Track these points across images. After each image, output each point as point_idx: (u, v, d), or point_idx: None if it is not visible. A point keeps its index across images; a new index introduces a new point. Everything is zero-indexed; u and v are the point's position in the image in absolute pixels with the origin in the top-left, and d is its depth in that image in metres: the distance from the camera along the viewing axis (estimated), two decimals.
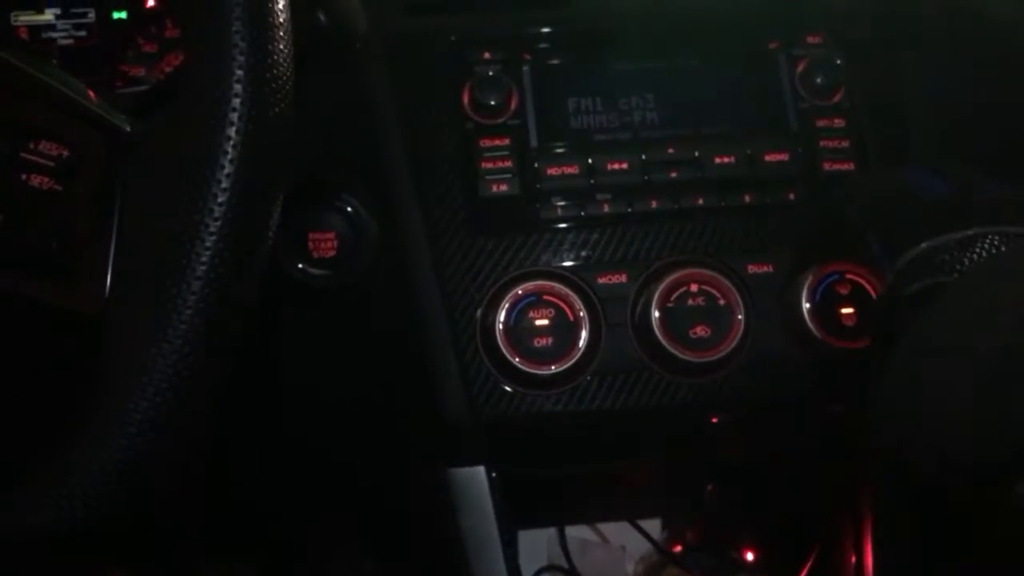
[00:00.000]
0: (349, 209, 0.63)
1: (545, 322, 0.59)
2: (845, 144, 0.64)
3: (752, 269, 0.61)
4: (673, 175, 0.62)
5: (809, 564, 0.74)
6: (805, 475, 0.74)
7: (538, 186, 0.62)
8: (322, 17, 0.50)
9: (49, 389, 0.38)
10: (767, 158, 0.63)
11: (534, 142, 0.63)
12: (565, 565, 0.81)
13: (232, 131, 0.36)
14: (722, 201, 0.62)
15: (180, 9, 0.39)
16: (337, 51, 0.54)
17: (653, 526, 0.86)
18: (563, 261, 0.61)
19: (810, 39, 0.66)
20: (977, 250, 0.47)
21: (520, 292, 0.59)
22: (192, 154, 0.36)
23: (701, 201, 0.62)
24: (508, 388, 0.60)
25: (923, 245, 0.50)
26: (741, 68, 0.65)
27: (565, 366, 0.58)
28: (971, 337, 0.40)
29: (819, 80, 0.64)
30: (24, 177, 0.37)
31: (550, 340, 0.59)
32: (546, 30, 0.65)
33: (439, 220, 0.62)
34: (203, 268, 0.35)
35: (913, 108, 0.67)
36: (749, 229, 0.62)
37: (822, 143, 0.64)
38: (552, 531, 0.84)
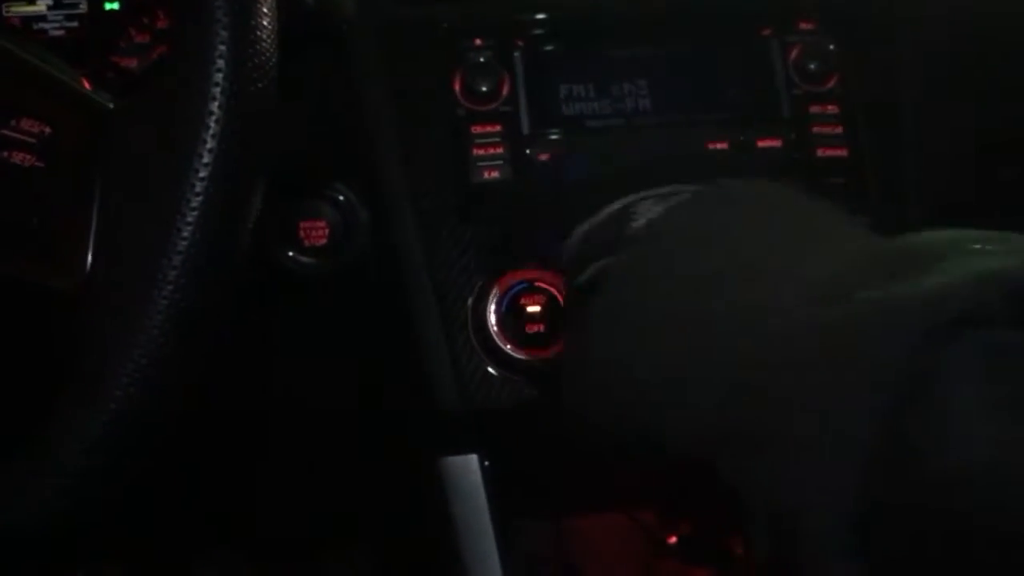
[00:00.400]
0: (340, 197, 0.63)
1: (537, 308, 0.59)
2: (838, 130, 0.64)
3: None
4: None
5: None
6: None
7: (530, 172, 0.61)
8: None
9: (27, 366, 0.38)
10: (760, 144, 0.63)
11: (526, 129, 0.62)
12: (559, 555, 0.81)
13: (215, 106, 0.35)
14: None
15: None
16: (324, 34, 0.53)
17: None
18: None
19: (803, 25, 0.65)
20: (632, 222, 0.45)
21: (512, 279, 0.59)
22: (174, 130, 0.36)
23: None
24: (500, 375, 0.60)
25: (577, 230, 0.49)
26: (734, 55, 0.65)
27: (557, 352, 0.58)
28: (647, 315, 0.39)
29: (812, 66, 0.64)
30: (5, 154, 0.37)
31: (543, 327, 0.59)
32: (538, 16, 0.64)
33: (430, 207, 0.62)
34: (184, 243, 0.35)
35: (906, 94, 0.66)
36: None
37: (815, 129, 0.64)
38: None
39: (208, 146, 0.35)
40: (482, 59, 0.63)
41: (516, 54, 0.63)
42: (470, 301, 0.60)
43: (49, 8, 0.73)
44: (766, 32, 0.65)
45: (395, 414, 0.69)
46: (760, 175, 0.61)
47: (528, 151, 0.62)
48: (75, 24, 0.73)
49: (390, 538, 0.85)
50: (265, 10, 0.38)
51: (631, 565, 0.81)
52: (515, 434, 0.66)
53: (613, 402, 0.41)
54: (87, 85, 0.41)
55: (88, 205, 0.37)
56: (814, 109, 0.64)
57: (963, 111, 0.67)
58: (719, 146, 0.63)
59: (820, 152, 0.64)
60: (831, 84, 0.65)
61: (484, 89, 0.62)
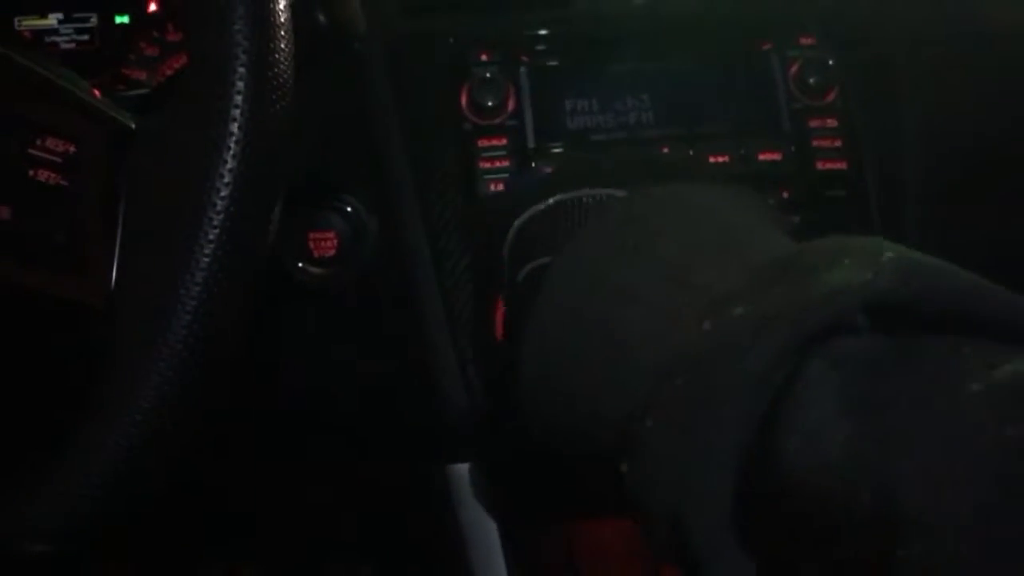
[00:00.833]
0: (349, 209, 0.64)
1: None
2: (838, 143, 0.65)
3: None
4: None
5: None
6: None
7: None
8: (322, 18, 0.51)
9: (53, 380, 0.39)
10: (761, 157, 0.64)
11: (531, 142, 0.64)
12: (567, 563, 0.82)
13: (235, 127, 0.37)
14: None
15: (182, 6, 0.40)
16: (337, 52, 0.55)
17: None
18: None
19: (803, 40, 0.67)
20: (559, 219, 0.49)
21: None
22: (195, 149, 0.37)
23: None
24: (509, 384, 0.61)
25: (515, 224, 0.52)
26: (735, 69, 0.66)
27: None
28: (571, 317, 0.41)
29: (812, 80, 0.65)
30: (31, 172, 0.38)
31: None
32: (543, 32, 0.66)
33: (438, 219, 0.63)
34: (206, 261, 0.36)
35: (905, 107, 0.68)
36: None
37: (815, 142, 0.65)
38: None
39: (228, 166, 0.36)
40: (488, 74, 0.64)
41: (522, 69, 0.64)
42: (478, 310, 0.62)
43: (60, 22, 0.74)
44: (766, 47, 0.66)
45: (402, 423, 0.70)
46: (760, 187, 0.63)
47: (533, 164, 0.63)
48: (86, 37, 0.75)
49: (394, 546, 0.86)
50: (283, 32, 0.39)
51: (639, 571, 0.82)
52: (522, 443, 0.67)
53: (545, 404, 0.43)
54: (99, 97, 0.42)
55: (112, 222, 0.38)
56: (814, 123, 0.65)
57: (962, 124, 0.69)
58: (720, 159, 0.64)
59: (820, 165, 0.65)
60: (831, 98, 0.66)
61: (490, 103, 0.63)
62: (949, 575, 0.25)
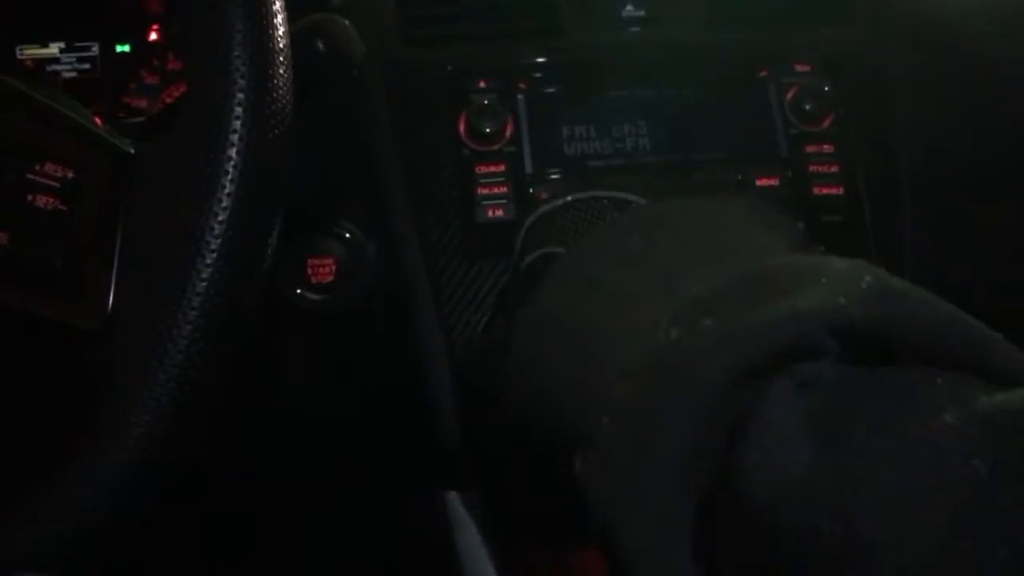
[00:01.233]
0: (347, 235, 0.64)
1: None
2: (834, 169, 0.65)
3: None
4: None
5: None
6: None
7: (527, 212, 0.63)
8: (320, 45, 0.52)
9: (49, 404, 0.39)
10: (758, 183, 0.64)
11: (529, 168, 0.64)
12: None
13: (233, 152, 0.37)
14: None
15: (182, 35, 0.40)
16: (335, 78, 0.55)
17: None
18: None
19: (798, 67, 0.67)
20: (578, 215, 0.51)
21: None
22: (193, 175, 0.37)
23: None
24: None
25: (530, 217, 0.54)
26: (731, 95, 0.67)
27: None
28: (561, 313, 0.41)
29: (808, 106, 0.66)
30: (30, 197, 0.38)
31: None
32: (540, 60, 0.66)
33: (436, 245, 0.63)
34: (203, 285, 0.36)
35: (901, 132, 0.68)
36: None
37: (811, 168, 0.65)
38: None
39: (227, 191, 0.37)
40: (486, 101, 0.64)
41: (519, 96, 0.65)
42: (477, 339, 0.61)
43: (62, 51, 0.75)
44: (763, 73, 0.67)
45: (399, 449, 0.70)
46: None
47: (531, 190, 0.63)
48: (87, 66, 0.75)
49: (392, 573, 0.85)
50: (282, 58, 0.39)
51: None
52: (519, 470, 0.66)
53: (522, 391, 0.43)
54: (101, 124, 0.42)
55: (110, 247, 0.38)
56: (810, 148, 0.66)
57: (957, 149, 0.69)
58: None
59: (817, 190, 0.65)
60: (827, 124, 0.66)
61: (488, 130, 0.63)
62: None
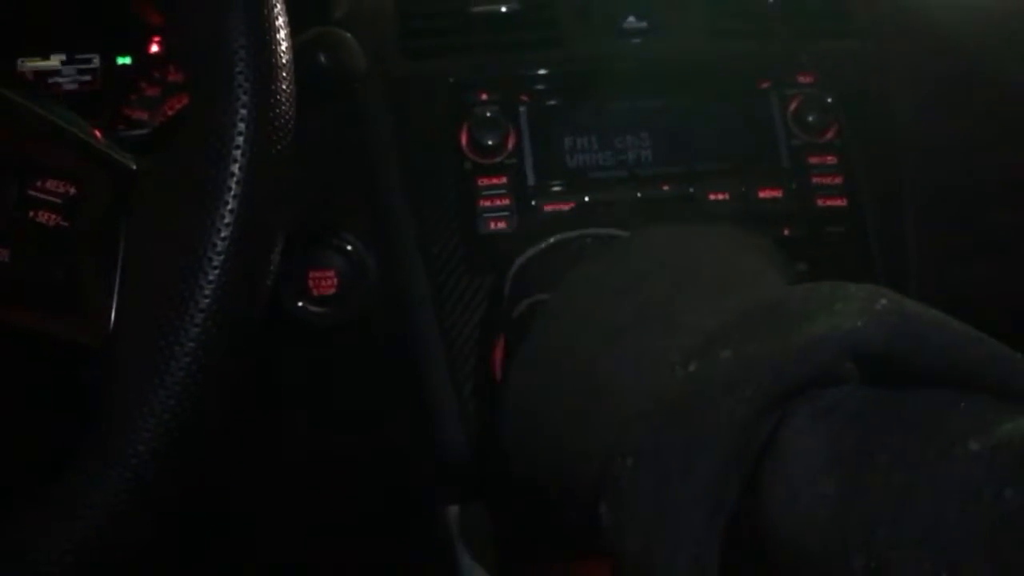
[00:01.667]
0: (349, 247, 0.64)
1: None
2: (837, 180, 0.65)
3: None
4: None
5: None
6: None
7: (534, 226, 0.63)
8: (323, 58, 0.51)
9: (50, 421, 0.39)
10: (761, 195, 0.64)
11: (531, 180, 0.64)
12: None
13: (236, 168, 0.37)
14: None
15: (184, 50, 0.40)
16: (338, 92, 0.55)
17: None
18: None
19: (801, 78, 0.67)
20: (560, 257, 0.49)
21: None
22: (196, 191, 0.37)
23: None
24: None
25: (517, 262, 0.53)
26: (734, 107, 0.67)
27: None
28: (561, 355, 0.41)
29: (811, 118, 0.66)
30: (31, 214, 0.38)
31: None
32: (542, 72, 0.66)
33: (438, 257, 0.63)
34: (206, 302, 0.36)
35: (904, 143, 0.68)
36: None
37: (815, 180, 0.65)
38: None
39: (229, 207, 0.36)
40: (488, 113, 0.64)
41: (521, 108, 0.65)
42: (478, 349, 0.61)
43: (63, 63, 0.75)
44: (765, 85, 0.67)
45: (402, 462, 0.70)
46: (761, 224, 0.63)
47: (533, 202, 0.63)
48: (88, 78, 0.75)
49: None
50: (284, 73, 0.39)
51: None
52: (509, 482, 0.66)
53: (530, 441, 0.43)
54: (102, 137, 0.42)
55: (112, 263, 0.38)
56: (813, 160, 0.66)
57: (961, 159, 0.69)
58: (720, 197, 0.64)
59: (820, 202, 0.65)
60: (830, 135, 0.66)
61: (490, 142, 0.63)
62: None
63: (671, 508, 0.30)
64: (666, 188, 0.64)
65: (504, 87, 0.65)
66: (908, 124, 0.68)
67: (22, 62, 0.74)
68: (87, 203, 0.39)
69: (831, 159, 0.66)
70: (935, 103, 0.69)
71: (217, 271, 0.36)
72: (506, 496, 0.66)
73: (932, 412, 0.28)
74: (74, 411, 0.37)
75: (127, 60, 0.75)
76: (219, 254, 0.36)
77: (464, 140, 0.64)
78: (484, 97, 0.65)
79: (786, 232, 0.64)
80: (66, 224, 0.38)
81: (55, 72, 0.74)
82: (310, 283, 0.64)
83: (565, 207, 0.62)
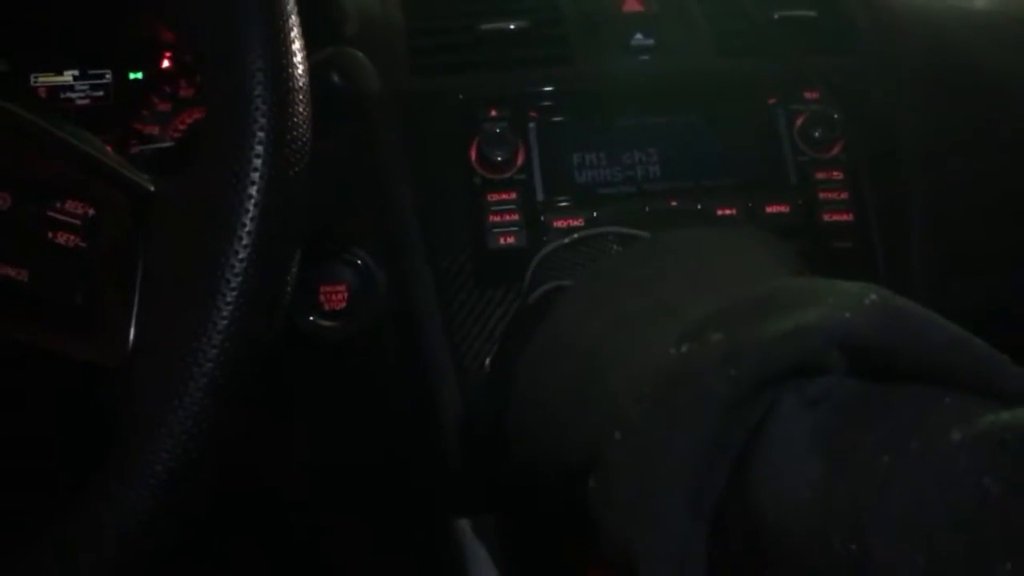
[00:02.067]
0: (359, 262, 0.64)
1: None
2: (844, 196, 0.66)
3: None
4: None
5: None
6: None
7: (544, 238, 0.63)
8: (336, 78, 0.52)
9: (70, 441, 0.39)
10: (768, 210, 0.65)
11: (540, 196, 0.64)
12: None
13: (253, 190, 0.37)
14: None
15: (201, 73, 0.41)
16: (350, 110, 0.55)
17: None
18: None
19: (807, 94, 0.68)
20: (584, 251, 0.52)
21: None
22: (214, 213, 0.38)
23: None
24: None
25: (542, 251, 0.55)
26: (740, 123, 0.67)
27: None
28: (570, 341, 0.42)
29: (817, 134, 0.66)
30: (50, 235, 0.38)
31: None
32: (550, 88, 0.67)
33: (447, 272, 0.63)
34: (224, 323, 0.36)
35: (910, 159, 0.68)
36: None
37: (821, 195, 0.66)
38: None
39: (247, 229, 0.37)
40: (497, 129, 0.65)
41: (530, 124, 0.65)
42: (487, 363, 0.62)
43: (75, 78, 0.75)
44: (772, 101, 0.67)
45: (411, 476, 0.70)
46: None
47: (542, 218, 0.64)
48: (100, 93, 0.76)
49: None
50: (301, 96, 0.40)
51: None
52: (530, 493, 0.67)
53: (532, 419, 0.44)
54: (113, 152, 0.43)
55: (130, 284, 0.38)
56: (820, 175, 0.66)
57: (967, 174, 0.69)
58: (728, 212, 0.64)
59: (827, 217, 0.65)
60: (836, 151, 0.67)
61: (499, 158, 0.64)
62: None
63: (654, 482, 0.31)
64: (674, 203, 0.64)
65: (513, 103, 0.66)
66: (914, 140, 0.69)
67: (35, 78, 0.75)
68: (105, 224, 0.39)
69: (837, 175, 0.66)
70: (941, 118, 0.70)
71: (235, 292, 0.37)
72: (513, 503, 0.67)
73: (917, 404, 0.28)
74: (92, 431, 0.37)
75: (139, 75, 0.76)
76: (236, 276, 0.37)
77: (473, 156, 0.64)
78: (493, 113, 0.65)
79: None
80: (84, 245, 0.39)
81: (68, 87, 0.75)
82: (321, 297, 0.64)
83: (574, 223, 0.63)
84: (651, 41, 0.68)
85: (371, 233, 0.65)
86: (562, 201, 0.64)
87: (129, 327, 0.38)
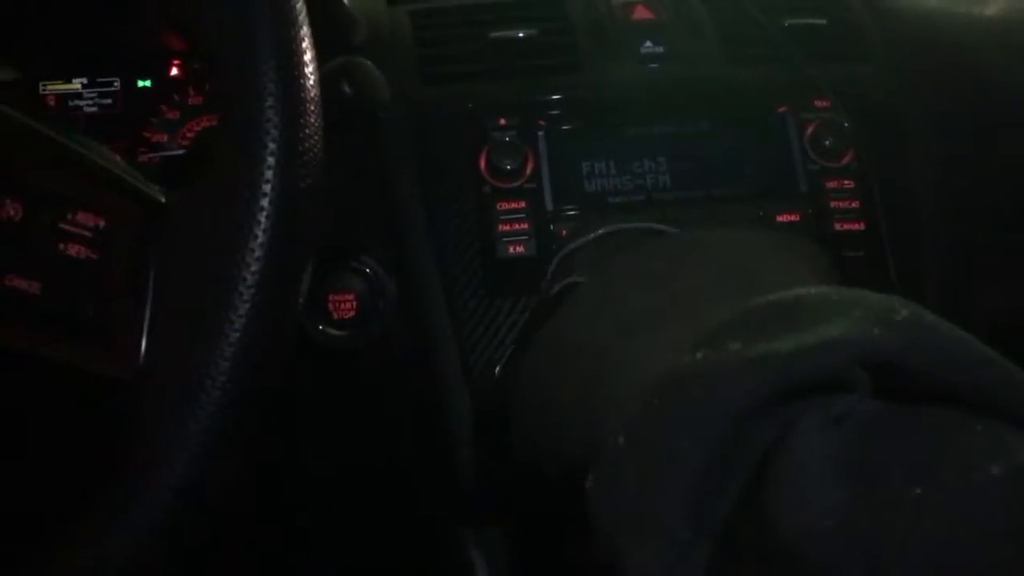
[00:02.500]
0: (368, 271, 0.64)
1: None
2: (855, 204, 0.65)
3: None
4: None
5: None
6: None
7: (554, 248, 0.63)
8: (347, 88, 0.52)
9: (81, 454, 0.39)
10: (779, 219, 0.64)
11: (549, 205, 0.64)
12: None
13: (265, 202, 0.37)
14: None
15: (213, 82, 0.41)
16: (361, 120, 0.55)
17: None
18: None
19: (818, 103, 0.67)
20: (607, 246, 0.53)
21: None
22: (226, 225, 0.37)
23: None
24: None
25: (567, 248, 0.56)
26: (751, 131, 0.67)
27: None
28: (580, 337, 0.41)
29: (828, 142, 0.66)
30: (62, 247, 0.38)
31: None
32: (559, 97, 0.66)
33: (457, 281, 0.63)
34: (236, 335, 0.36)
35: (921, 167, 0.68)
36: None
37: (832, 203, 0.65)
38: None
39: (259, 240, 0.37)
40: (507, 138, 0.64)
41: (539, 133, 0.65)
42: (497, 372, 0.61)
43: (84, 86, 0.76)
44: (782, 109, 0.67)
45: (419, 485, 0.70)
46: None
47: (552, 227, 0.63)
48: (109, 101, 0.76)
49: None
50: (313, 107, 0.40)
51: None
52: (536, 501, 0.66)
53: (537, 413, 0.44)
54: (122, 161, 0.42)
55: (142, 295, 0.38)
56: (831, 184, 0.66)
57: (978, 182, 0.69)
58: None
59: (837, 226, 0.65)
60: (847, 160, 0.66)
61: (509, 167, 0.64)
62: None
63: (653, 491, 0.30)
64: (685, 212, 0.64)
65: (522, 112, 0.65)
66: (925, 147, 0.68)
67: (43, 86, 0.75)
68: (117, 236, 0.39)
69: (848, 183, 0.66)
70: (952, 126, 0.70)
71: (247, 305, 0.36)
72: (519, 513, 0.66)
73: (948, 429, 0.27)
74: (104, 444, 0.37)
75: (147, 83, 0.76)
76: (249, 288, 0.36)
77: (483, 165, 0.64)
78: (502, 122, 0.65)
79: None
80: (95, 257, 0.39)
81: (76, 95, 0.75)
82: (330, 306, 0.64)
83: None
84: (661, 49, 0.68)
85: (380, 242, 0.65)
86: (571, 210, 0.64)
87: (141, 340, 0.38)
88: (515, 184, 0.64)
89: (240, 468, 0.38)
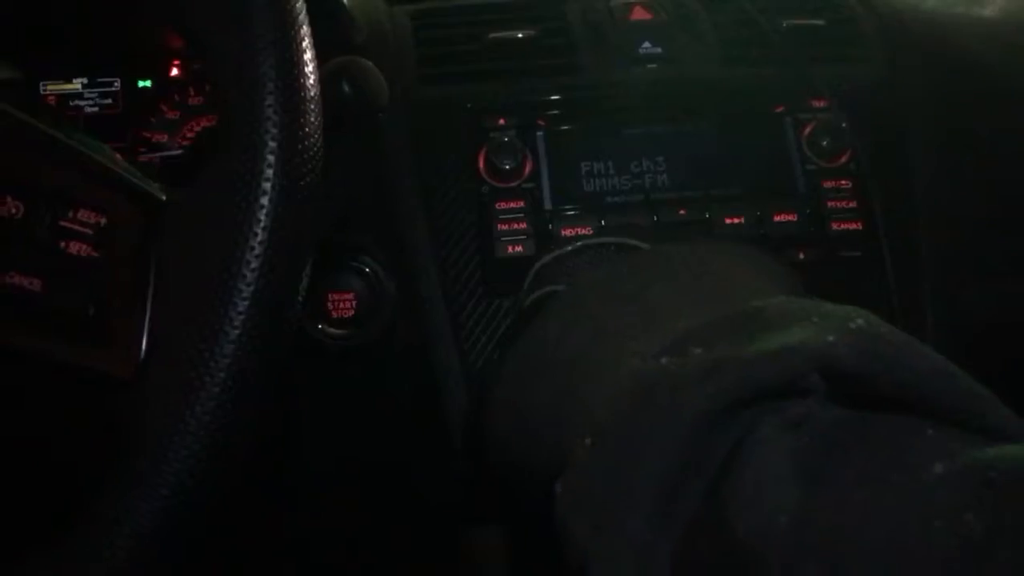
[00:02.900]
0: (367, 270, 0.64)
1: None
2: (852, 204, 0.66)
3: None
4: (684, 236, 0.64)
5: None
6: None
7: (552, 247, 0.63)
8: (346, 88, 0.52)
9: (81, 451, 0.39)
10: (776, 219, 0.65)
11: (548, 205, 0.64)
12: None
13: (265, 200, 0.37)
14: None
15: (213, 81, 0.41)
16: (360, 119, 0.56)
17: None
18: None
19: (815, 103, 0.68)
20: (581, 260, 0.53)
21: None
22: (226, 223, 0.38)
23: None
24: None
25: (544, 259, 0.56)
26: (748, 131, 0.67)
27: None
28: (552, 348, 0.42)
29: (825, 142, 0.66)
30: (63, 244, 0.38)
31: None
32: (558, 97, 0.67)
33: (456, 281, 0.63)
34: (236, 333, 0.36)
35: (918, 167, 0.68)
36: None
37: (829, 204, 0.66)
38: None
39: (259, 239, 0.37)
40: (505, 138, 0.65)
41: (538, 133, 0.65)
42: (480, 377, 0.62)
43: (84, 86, 0.76)
44: (779, 110, 0.67)
45: (418, 484, 0.70)
46: (776, 248, 0.63)
47: (550, 226, 0.64)
48: (109, 101, 0.76)
49: None
50: (312, 106, 0.40)
51: None
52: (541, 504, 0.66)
53: (508, 423, 0.44)
54: (123, 160, 0.43)
55: (142, 294, 0.39)
56: (828, 184, 0.66)
57: (976, 183, 0.69)
58: (736, 220, 0.64)
59: (835, 226, 0.65)
60: (844, 160, 0.67)
61: (507, 167, 0.64)
62: None
63: (618, 491, 0.30)
64: (682, 212, 0.64)
65: (521, 112, 0.66)
66: (922, 148, 0.69)
67: (44, 85, 0.75)
68: (117, 234, 0.39)
69: (845, 183, 0.66)
70: (950, 126, 0.70)
71: (246, 303, 0.37)
72: (519, 512, 0.67)
73: (900, 435, 0.28)
74: (103, 443, 0.37)
75: (147, 83, 0.76)
76: (248, 286, 0.37)
77: (481, 164, 0.64)
78: (501, 122, 0.65)
79: (801, 256, 0.64)
80: (96, 255, 0.39)
81: (77, 95, 0.76)
82: (329, 305, 0.64)
83: (582, 231, 0.63)
84: (659, 50, 0.68)
85: (379, 241, 0.65)
86: (570, 210, 0.64)
87: (141, 337, 0.38)
88: (514, 184, 0.64)
89: (240, 467, 0.38)
